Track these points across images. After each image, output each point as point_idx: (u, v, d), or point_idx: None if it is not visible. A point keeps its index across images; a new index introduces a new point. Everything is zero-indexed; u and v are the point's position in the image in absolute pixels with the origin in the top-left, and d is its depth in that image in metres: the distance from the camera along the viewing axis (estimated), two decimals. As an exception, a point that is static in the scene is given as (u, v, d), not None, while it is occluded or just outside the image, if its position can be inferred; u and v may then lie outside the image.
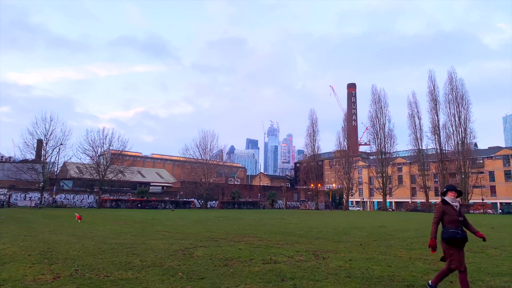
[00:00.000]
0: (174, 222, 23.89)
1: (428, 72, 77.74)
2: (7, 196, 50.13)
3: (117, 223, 22.44)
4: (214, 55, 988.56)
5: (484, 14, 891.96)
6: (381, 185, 77.42)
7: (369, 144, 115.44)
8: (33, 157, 54.94)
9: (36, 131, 50.67)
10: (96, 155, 56.79)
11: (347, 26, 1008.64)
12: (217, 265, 8.30)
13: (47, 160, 52.57)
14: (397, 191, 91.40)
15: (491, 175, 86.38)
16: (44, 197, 51.96)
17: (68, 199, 55.22)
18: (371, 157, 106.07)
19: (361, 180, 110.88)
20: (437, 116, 72.33)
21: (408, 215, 48.94)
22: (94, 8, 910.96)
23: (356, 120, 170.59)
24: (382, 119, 79.67)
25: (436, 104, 72.86)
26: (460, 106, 69.50)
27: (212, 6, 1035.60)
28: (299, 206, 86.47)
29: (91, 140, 55.88)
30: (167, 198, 65.63)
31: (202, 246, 11.52)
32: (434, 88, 73.98)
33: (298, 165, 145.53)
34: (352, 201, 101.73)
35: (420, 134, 75.22)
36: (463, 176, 67.61)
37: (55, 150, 52.00)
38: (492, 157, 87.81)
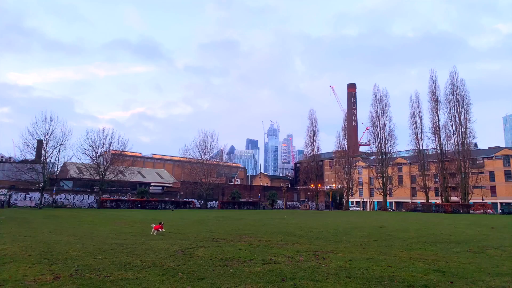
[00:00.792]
0: (174, 223, 23.89)
1: (430, 71, 77.85)
2: (7, 196, 50.11)
3: (117, 223, 22.44)
4: (213, 57, 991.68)
5: (481, 15, 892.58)
6: (381, 185, 77.36)
7: (369, 144, 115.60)
8: (33, 158, 54.95)
9: (36, 132, 50.70)
10: (96, 155, 56.76)
11: (344, 28, 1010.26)
12: (217, 265, 8.31)
13: (47, 161, 52.55)
14: (397, 191, 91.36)
15: (491, 175, 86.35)
16: (44, 197, 51.94)
17: (68, 199, 55.20)
18: (371, 157, 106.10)
19: (361, 180, 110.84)
20: (438, 116, 72.33)
21: (408, 215, 48.93)
22: (87, 12, 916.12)
23: (356, 120, 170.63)
24: (383, 119, 79.60)
25: (436, 104, 72.80)
26: (460, 106, 69.47)
27: (208, 9, 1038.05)
28: (299, 206, 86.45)
29: (91, 141, 55.91)
30: (167, 198, 65.62)
31: (202, 246, 11.52)
32: (435, 88, 73.91)
33: (298, 165, 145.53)
34: (352, 201, 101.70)
35: (421, 134, 75.25)
36: (463, 176, 67.56)
37: (55, 150, 52.01)
38: (492, 157, 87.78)
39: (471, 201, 67.99)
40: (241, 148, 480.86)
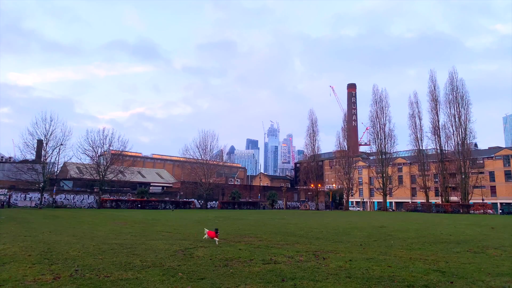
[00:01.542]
0: (174, 223, 23.89)
1: (429, 72, 77.89)
2: (7, 197, 50.12)
3: (117, 223, 22.44)
4: (211, 58, 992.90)
5: (478, 16, 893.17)
6: (381, 185, 77.38)
7: (369, 144, 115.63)
8: (33, 158, 54.93)
9: (36, 132, 50.67)
10: (96, 155, 56.76)
11: (342, 29, 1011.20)
12: (217, 265, 8.31)
13: (47, 161, 52.53)
14: (397, 191, 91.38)
15: (491, 175, 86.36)
16: (44, 198, 51.94)
17: (68, 200, 55.21)
18: (371, 157, 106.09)
19: (361, 180, 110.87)
20: (438, 116, 72.34)
21: (408, 215, 48.93)
22: (85, 14, 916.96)
23: (356, 120, 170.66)
24: (382, 119, 79.67)
25: (436, 104, 72.83)
26: (460, 106, 69.50)
27: (205, 10, 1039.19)
28: (299, 206, 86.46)
29: (91, 141, 55.89)
30: (167, 199, 65.62)
31: (202, 246, 11.52)
32: (434, 88, 73.96)
33: (298, 165, 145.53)
34: (352, 201, 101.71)
35: (421, 134, 75.25)
36: (463, 176, 67.56)
37: (55, 150, 51.97)
38: (492, 157, 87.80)
39: (471, 201, 67.99)
40: (241, 148, 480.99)
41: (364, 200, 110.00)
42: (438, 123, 71.94)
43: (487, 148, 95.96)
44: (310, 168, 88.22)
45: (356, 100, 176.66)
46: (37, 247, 10.65)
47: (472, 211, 63.09)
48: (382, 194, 77.38)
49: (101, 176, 55.38)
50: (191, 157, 70.87)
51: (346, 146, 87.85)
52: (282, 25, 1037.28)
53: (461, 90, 70.34)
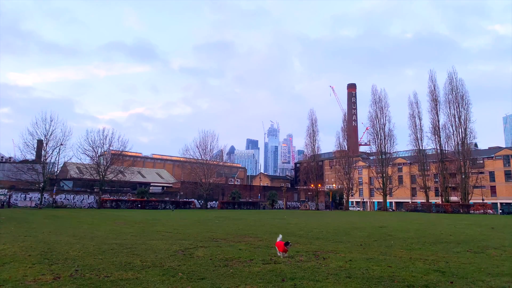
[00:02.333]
0: (174, 223, 23.89)
1: (429, 72, 77.80)
2: (7, 197, 50.13)
3: (117, 223, 22.44)
4: (210, 58, 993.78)
5: (474, 17, 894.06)
6: (381, 185, 77.39)
7: (369, 144, 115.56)
8: (33, 158, 54.91)
9: (36, 132, 50.70)
10: (96, 155, 56.77)
11: (341, 29, 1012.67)
12: (217, 265, 8.31)
13: (47, 161, 52.56)
14: (397, 191, 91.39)
15: (491, 175, 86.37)
16: (44, 198, 51.95)
17: (68, 200, 55.22)
18: (371, 157, 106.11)
19: (361, 180, 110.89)
20: (437, 116, 72.30)
21: (408, 215, 48.93)
22: (82, 15, 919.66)
23: (356, 120, 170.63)
24: (382, 119, 79.68)
25: (436, 104, 72.79)
26: (460, 106, 69.44)
27: (203, 12, 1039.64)
28: (299, 206, 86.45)
29: (91, 141, 55.92)
30: (167, 199, 65.62)
31: (202, 246, 11.52)
32: (434, 88, 73.88)
33: (298, 165, 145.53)
34: (352, 201, 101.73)
35: (421, 134, 75.23)
36: (463, 176, 67.55)
37: (55, 150, 52.03)
38: (492, 157, 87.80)
39: (471, 201, 67.97)
40: (241, 148, 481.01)
41: (364, 200, 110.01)
42: (438, 123, 71.97)
43: (487, 148, 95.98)
44: (310, 168, 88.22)
45: (356, 100, 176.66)
46: (37, 247, 10.65)
47: (472, 211, 63.07)
48: (382, 194, 77.39)
49: (101, 176, 55.39)
50: (191, 157, 70.89)
51: (346, 146, 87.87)
52: (281, 26, 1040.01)
53: (461, 90, 70.36)
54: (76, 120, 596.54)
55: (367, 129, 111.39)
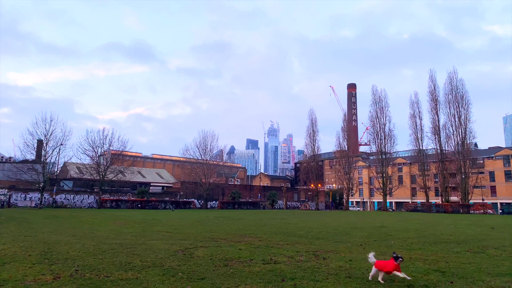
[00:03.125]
0: (174, 223, 23.89)
1: (429, 72, 77.73)
2: (7, 197, 50.13)
3: (117, 223, 22.44)
4: (209, 59, 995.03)
5: (471, 17, 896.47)
6: (381, 185, 77.37)
7: (369, 144, 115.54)
8: (33, 158, 54.93)
9: (36, 132, 50.68)
10: (96, 155, 56.74)
11: (340, 30, 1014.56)
12: (217, 265, 8.31)
13: (47, 161, 52.54)
14: (397, 191, 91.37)
15: (491, 175, 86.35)
16: (44, 198, 51.95)
17: (68, 199, 55.21)
18: (371, 157, 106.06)
19: (361, 180, 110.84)
20: (438, 116, 72.29)
21: (408, 215, 48.93)
22: (80, 16, 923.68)
23: (356, 120, 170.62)
24: (382, 119, 79.65)
25: (436, 104, 72.74)
26: (460, 106, 69.42)
27: (201, 13, 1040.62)
28: (299, 206, 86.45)
29: (91, 141, 55.87)
30: (167, 198, 65.63)
31: (202, 246, 11.52)
32: (434, 88, 73.82)
33: (298, 165, 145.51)
34: (352, 201, 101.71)
35: (421, 134, 75.23)
36: (463, 176, 67.54)
37: (55, 150, 52.00)
38: (492, 157, 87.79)
39: (471, 201, 67.97)
40: (241, 148, 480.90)
41: (364, 200, 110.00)
42: (438, 123, 71.95)
43: (487, 148, 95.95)
44: (310, 168, 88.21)
45: (356, 100, 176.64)
46: (37, 247, 10.65)
47: (472, 211, 63.07)
48: (382, 194, 77.37)
49: (101, 176, 55.38)
50: (191, 157, 70.89)
51: (346, 146, 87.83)
52: (279, 27, 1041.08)
53: (461, 90, 70.30)
54: (76, 120, 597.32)
55: (367, 129, 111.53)
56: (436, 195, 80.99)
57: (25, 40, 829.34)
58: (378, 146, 79.73)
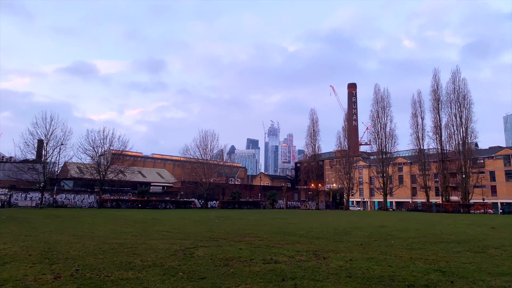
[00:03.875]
0: (174, 222, 23.90)
1: (433, 71, 77.47)
2: (8, 196, 50.18)
3: (117, 223, 22.45)
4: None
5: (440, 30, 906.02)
6: (382, 185, 77.34)
7: (370, 144, 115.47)
8: (34, 157, 55.02)
9: (36, 131, 50.69)
10: (96, 155, 56.77)
11: (313, 43, 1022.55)
12: (218, 265, 8.30)
13: (48, 160, 52.56)
14: (398, 191, 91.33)
15: (492, 175, 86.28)
16: (45, 197, 51.99)
17: (68, 199, 55.24)
18: (372, 157, 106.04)
19: (361, 180, 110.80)
20: (439, 115, 72.21)
21: (408, 215, 48.92)
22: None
23: (356, 120, 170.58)
24: (383, 119, 79.58)
25: (438, 104, 72.57)
26: (461, 106, 69.30)
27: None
28: (300, 206, 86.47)
29: (92, 140, 55.92)
30: (167, 198, 65.66)
31: (203, 246, 11.52)
32: (437, 87, 73.58)
33: (298, 165, 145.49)
34: (352, 201, 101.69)
35: (422, 134, 75.15)
36: (463, 176, 67.47)
37: (55, 150, 52.02)
38: (493, 157, 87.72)
39: (471, 201, 67.92)
40: (241, 148, 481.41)
41: (365, 199, 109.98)
42: (440, 122, 71.89)
43: (487, 147, 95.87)
44: (310, 167, 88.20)
45: (356, 99, 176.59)
46: (37, 246, 10.66)
47: (473, 211, 63.04)
48: (382, 193, 77.34)
49: (101, 175, 55.41)
50: (191, 156, 70.89)
51: (346, 146, 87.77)
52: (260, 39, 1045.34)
53: (463, 89, 70.15)
54: (74, 123, 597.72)
55: (367, 128, 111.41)
56: (437, 194, 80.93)
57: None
58: (379, 146, 79.69)
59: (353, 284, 6.73)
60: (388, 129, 78.63)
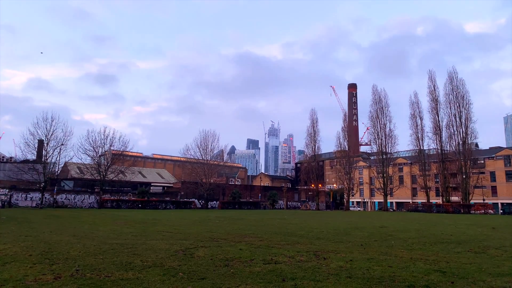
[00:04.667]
0: (175, 222, 23.90)
1: (428, 72, 77.60)
2: (8, 196, 50.17)
3: (117, 223, 22.46)
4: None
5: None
6: (382, 185, 77.33)
7: (370, 144, 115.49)
8: (34, 158, 54.98)
9: (37, 132, 50.66)
10: (97, 155, 56.76)
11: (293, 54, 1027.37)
12: (218, 265, 8.31)
13: (48, 160, 52.55)
14: (398, 191, 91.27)
15: (492, 175, 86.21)
16: (45, 197, 51.97)
17: (69, 199, 55.22)
18: (372, 157, 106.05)
19: (362, 180, 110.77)
20: (438, 116, 72.26)
21: (409, 215, 48.91)
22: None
23: (357, 120, 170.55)
24: (383, 119, 79.66)
25: (436, 104, 72.71)
26: (461, 106, 69.40)
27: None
28: (300, 206, 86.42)
29: (92, 141, 55.86)
30: (168, 198, 65.63)
31: (203, 246, 11.52)
32: (434, 88, 73.83)
33: (298, 165, 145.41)
34: (353, 201, 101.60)
35: (422, 134, 75.18)
36: (464, 176, 67.49)
37: (56, 150, 51.98)
38: (493, 157, 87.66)
39: (472, 201, 67.92)
40: (241, 148, 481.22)
41: (365, 200, 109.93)
42: (439, 123, 71.95)
43: (488, 148, 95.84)
44: (310, 168, 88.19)
45: (356, 100, 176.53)
46: (38, 247, 10.66)
47: (473, 211, 63.03)
48: (382, 194, 77.34)
49: (101, 176, 55.42)
50: (191, 157, 70.87)
51: (346, 146, 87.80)
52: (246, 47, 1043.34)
53: (462, 90, 70.31)
54: (74, 126, 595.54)
55: (367, 129, 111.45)
56: (437, 195, 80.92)
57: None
58: (379, 146, 79.74)
59: (353, 284, 6.73)
60: (387, 129, 78.79)
